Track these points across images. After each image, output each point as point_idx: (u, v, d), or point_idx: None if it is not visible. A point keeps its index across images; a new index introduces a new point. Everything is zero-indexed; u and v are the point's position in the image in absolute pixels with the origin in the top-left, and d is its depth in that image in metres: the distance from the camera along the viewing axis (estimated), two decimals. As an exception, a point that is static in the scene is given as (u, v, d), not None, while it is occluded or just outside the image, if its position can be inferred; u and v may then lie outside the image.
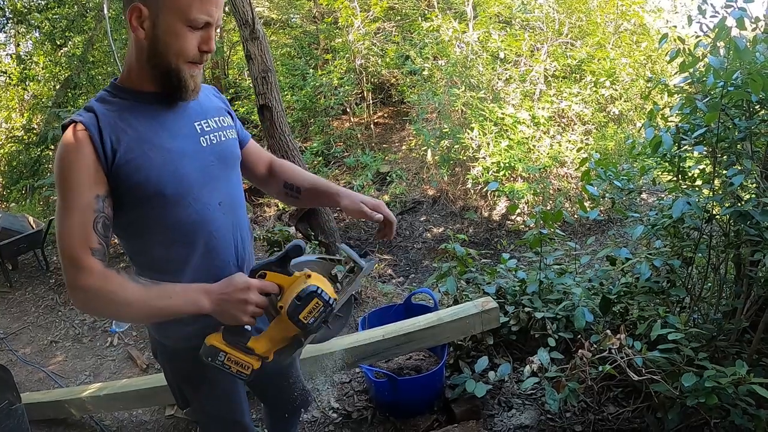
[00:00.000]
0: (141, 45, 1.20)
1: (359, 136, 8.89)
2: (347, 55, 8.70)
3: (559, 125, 7.17)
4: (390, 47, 8.71)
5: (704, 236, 2.16)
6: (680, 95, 2.45)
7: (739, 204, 1.93)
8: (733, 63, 1.96)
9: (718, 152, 2.09)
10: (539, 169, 6.51)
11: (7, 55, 10.21)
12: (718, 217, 2.08)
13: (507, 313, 2.70)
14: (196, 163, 1.30)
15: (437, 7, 8.45)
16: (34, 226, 5.44)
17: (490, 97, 7.02)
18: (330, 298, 1.27)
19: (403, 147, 8.63)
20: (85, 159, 1.15)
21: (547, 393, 2.08)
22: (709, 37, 2.20)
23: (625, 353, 1.87)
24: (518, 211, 6.53)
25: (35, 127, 9.74)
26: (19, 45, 10.47)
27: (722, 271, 2.24)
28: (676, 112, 2.26)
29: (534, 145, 6.70)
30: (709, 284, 2.37)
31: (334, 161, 8.57)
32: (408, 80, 8.41)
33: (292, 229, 5.15)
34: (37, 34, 9.51)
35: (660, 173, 2.82)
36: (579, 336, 2.38)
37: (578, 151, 6.51)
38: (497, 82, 7.19)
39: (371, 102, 9.25)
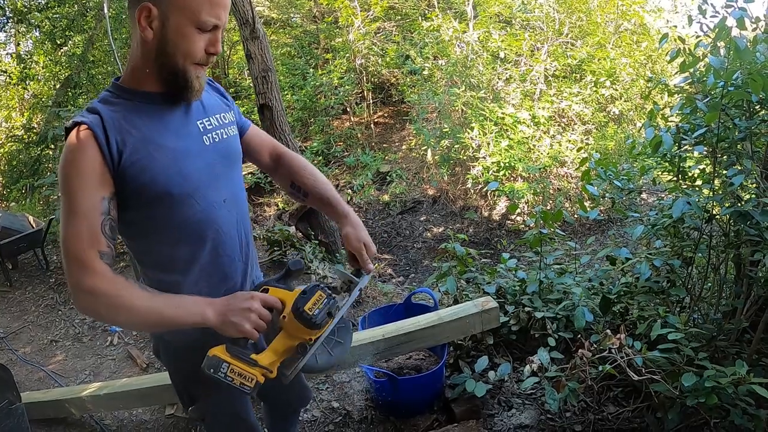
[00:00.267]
0: (148, 45, 1.19)
1: (359, 135, 8.88)
2: (347, 55, 8.70)
3: (559, 125, 7.17)
4: (390, 47, 8.71)
5: (704, 236, 2.16)
6: (680, 95, 2.46)
7: (739, 204, 1.93)
8: (733, 63, 1.96)
9: (718, 152, 2.09)
10: (539, 168, 6.51)
11: (7, 54, 10.20)
12: (718, 217, 2.09)
13: (507, 312, 2.70)
14: (201, 162, 1.30)
15: (437, 7, 8.44)
16: (34, 226, 5.44)
17: (491, 97, 7.02)
18: (332, 293, 1.29)
19: (403, 146, 8.63)
20: (90, 161, 1.15)
21: (547, 393, 2.08)
22: (710, 37, 2.20)
23: (625, 353, 1.88)
24: (518, 210, 6.53)
25: (35, 126, 9.73)
26: (19, 44, 10.46)
27: (722, 271, 2.25)
28: (677, 112, 2.26)
29: (534, 145, 6.70)
30: (709, 284, 2.37)
31: (334, 161, 8.57)
32: (408, 80, 8.41)
33: (292, 229, 5.15)
34: (37, 34, 9.50)
35: (660, 173, 2.82)
36: (579, 336, 2.38)
37: (578, 150, 6.50)
38: (497, 82, 7.19)
39: (371, 101, 9.25)
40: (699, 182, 2.35)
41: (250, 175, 7.22)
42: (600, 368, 1.93)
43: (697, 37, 2.28)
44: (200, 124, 1.33)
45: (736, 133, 2.03)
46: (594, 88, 7.17)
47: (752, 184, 2.04)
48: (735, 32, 1.97)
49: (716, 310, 2.25)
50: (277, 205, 7.57)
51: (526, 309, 2.66)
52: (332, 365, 1.42)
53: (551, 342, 2.38)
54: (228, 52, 10.72)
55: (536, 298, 2.72)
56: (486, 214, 6.82)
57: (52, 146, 8.24)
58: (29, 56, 9.74)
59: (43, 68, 9.61)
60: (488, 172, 6.52)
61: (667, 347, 1.88)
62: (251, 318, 1.21)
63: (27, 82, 9.52)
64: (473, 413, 2.42)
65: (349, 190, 7.78)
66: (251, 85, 5.35)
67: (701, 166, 2.38)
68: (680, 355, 1.87)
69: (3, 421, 2.18)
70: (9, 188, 9.04)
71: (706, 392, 1.72)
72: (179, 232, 1.29)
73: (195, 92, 1.27)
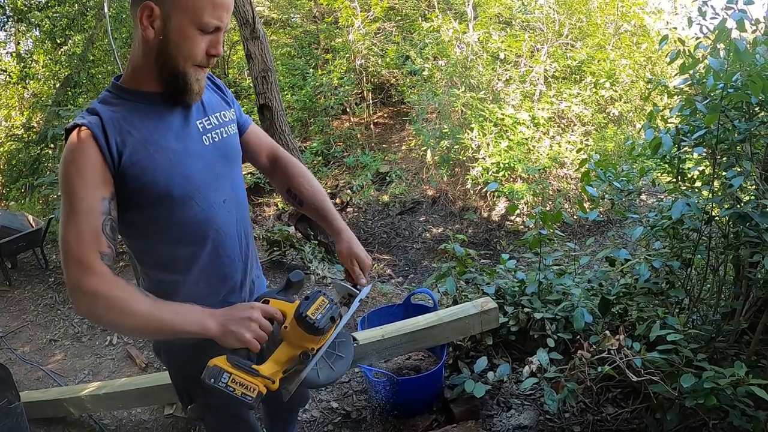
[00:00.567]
0: (149, 45, 1.19)
1: (359, 136, 8.89)
2: (347, 55, 8.70)
3: (558, 126, 7.18)
4: (390, 47, 8.72)
5: (703, 238, 2.16)
6: (680, 97, 2.46)
7: (739, 206, 1.93)
8: (733, 65, 1.96)
9: (718, 154, 2.10)
10: (539, 169, 6.52)
11: (7, 53, 10.20)
12: (717, 218, 2.09)
13: (506, 313, 2.70)
14: (201, 163, 1.30)
15: (437, 8, 8.45)
16: (33, 225, 5.44)
17: (490, 98, 7.02)
18: (334, 299, 1.29)
19: (403, 147, 8.63)
20: (91, 161, 1.15)
21: (546, 393, 2.08)
22: (709, 38, 2.21)
23: (624, 354, 1.88)
24: (517, 211, 6.54)
25: (35, 125, 9.73)
26: (19, 43, 10.46)
27: (721, 273, 2.25)
28: (676, 113, 2.27)
29: (534, 146, 6.71)
30: (708, 285, 2.38)
31: (334, 161, 8.57)
32: (408, 80, 8.42)
33: (292, 229, 5.16)
34: (37, 33, 9.49)
35: (659, 174, 2.83)
36: (578, 337, 2.38)
37: (578, 152, 6.51)
38: (497, 83, 7.19)
39: (371, 102, 9.26)
40: (698, 184, 2.35)
41: (249, 175, 7.22)
42: (599, 369, 1.93)
43: (697, 38, 2.28)
44: (200, 124, 1.33)
45: (736, 135, 2.03)
46: (594, 90, 7.18)
47: (751, 185, 2.04)
48: (735, 34, 1.97)
49: (715, 312, 2.25)
50: (277, 205, 7.57)
51: (526, 310, 2.66)
52: (334, 380, 1.41)
53: (550, 343, 2.38)
54: (228, 52, 10.73)
55: (535, 298, 2.72)
56: (485, 214, 6.83)
57: (52, 145, 8.24)
58: (29, 55, 9.73)
59: (43, 67, 9.61)
60: (488, 173, 6.52)
61: (666, 348, 1.88)
62: (252, 327, 1.20)
63: (27, 81, 9.52)
64: (472, 414, 2.42)
65: (349, 191, 7.78)
66: (251, 85, 5.36)
67: (701, 168, 2.38)
68: (679, 357, 1.87)
69: (2, 420, 2.17)
70: (8, 187, 9.03)
71: (705, 393, 1.72)
72: (179, 232, 1.29)
73: (194, 95, 1.27)
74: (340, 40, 9.11)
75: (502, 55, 7.31)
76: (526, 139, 6.65)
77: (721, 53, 2.11)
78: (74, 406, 2.73)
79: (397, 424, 2.50)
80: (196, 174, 1.29)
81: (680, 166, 2.32)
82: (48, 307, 4.59)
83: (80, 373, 3.57)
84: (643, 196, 5.95)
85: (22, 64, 9.30)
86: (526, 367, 2.16)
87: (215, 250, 1.36)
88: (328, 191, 7.73)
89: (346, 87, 8.43)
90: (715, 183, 2.10)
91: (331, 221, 1.55)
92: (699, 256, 2.21)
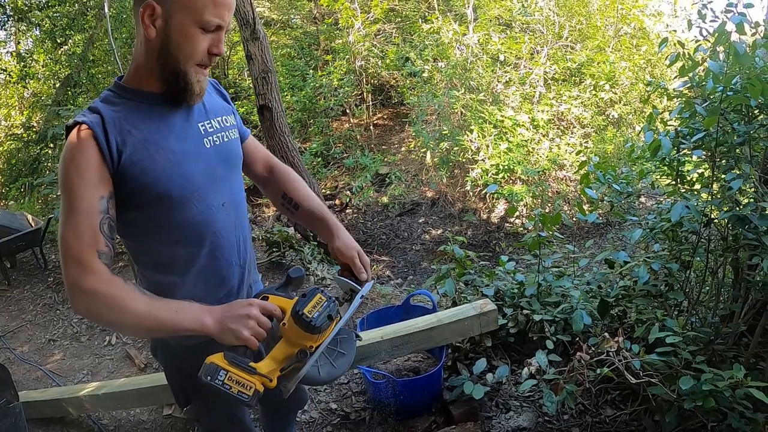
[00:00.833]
0: (151, 44, 1.20)
1: (359, 137, 8.89)
2: (347, 57, 8.71)
3: (558, 128, 7.19)
4: (390, 49, 8.73)
5: (702, 240, 2.17)
6: (679, 99, 2.46)
7: (738, 208, 1.93)
8: (732, 68, 1.96)
9: (717, 156, 2.10)
10: (538, 171, 6.52)
11: (7, 52, 10.20)
12: (716, 221, 2.09)
13: (505, 315, 2.70)
14: (201, 165, 1.30)
15: (437, 10, 8.47)
16: (32, 224, 5.43)
17: (490, 100, 7.03)
18: (332, 296, 1.27)
19: (403, 148, 8.64)
20: (90, 160, 1.15)
21: (544, 395, 2.08)
22: (709, 41, 2.21)
23: (623, 356, 1.88)
24: (517, 213, 6.54)
25: (35, 125, 9.73)
26: (19, 43, 10.46)
27: (720, 275, 2.25)
28: (676, 116, 2.27)
29: (533, 148, 6.71)
30: (707, 288, 2.38)
31: (333, 162, 8.57)
32: (408, 82, 8.43)
33: (291, 230, 5.15)
34: (37, 32, 9.49)
35: (659, 177, 2.83)
36: (577, 339, 2.38)
37: (577, 154, 6.52)
38: (497, 85, 7.20)
39: (371, 103, 9.26)
40: (698, 186, 2.35)
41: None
42: (598, 371, 1.93)
43: (697, 41, 2.29)
44: (201, 126, 1.33)
45: (735, 138, 2.04)
46: (593, 92, 7.19)
47: (751, 188, 2.04)
48: (734, 37, 1.98)
49: (714, 314, 2.25)
50: (276, 206, 7.56)
51: (525, 312, 2.66)
52: (336, 377, 1.39)
53: (549, 345, 2.38)
54: (228, 53, 10.73)
55: (534, 300, 2.72)
56: (485, 216, 6.83)
57: (52, 145, 8.24)
58: (29, 55, 9.74)
59: (43, 67, 9.61)
60: (487, 175, 6.53)
61: (664, 350, 1.88)
62: (249, 325, 1.19)
63: (27, 81, 9.53)
64: (471, 415, 2.42)
65: (348, 192, 7.78)
66: (251, 85, 5.36)
67: (700, 170, 2.38)
68: (678, 359, 1.88)
69: (0, 420, 2.17)
70: (8, 187, 9.03)
71: (704, 395, 1.72)
72: (179, 233, 1.29)
73: (195, 95, 1.27)
74: (340, 41, 9.12)
75: (501, 57, 7.32)
76: (525, 141, 6.65)
77: (721, 56, 2.12)
78: (73, 406, 2.73)
79: (396, 426, 2.50)
80: (196, 175, 1.28)
81: (679, 168, 2.33)
82: (47, 306, 4.58)
83: (79, 373, 3.56)
84: (643, 199, 5.95)
85: (22, 63, 9.31)
86: (525, 369, 2.16)
87: (213, 253, 1.35)
88: (328, 192, 7.75)
89: (346, 88, 8.43)
90: (715, 186, 2.10)
91: (327, 220, 1.52)
92: (698, 258, 2.21)
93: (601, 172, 2.55)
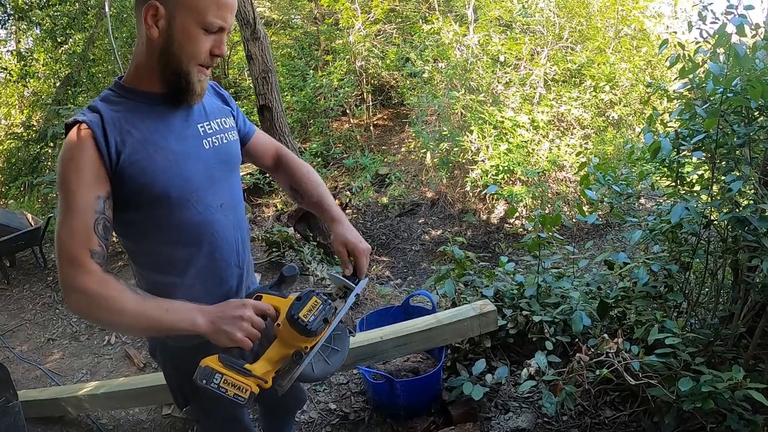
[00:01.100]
0: (153, 44, 1.20)
1: (359, 137, 8.89)
2: (347, 57, 8.71)
3: (558, 129, 7.19)
4: (390, 49, 8.73)
5: (702, 242, 2.17)
6: (680, 101, 2.46)
7: (737, 210, 1.94)
8: (732, 69, 1.96)
9: (717, 158, 2.10)
10: (538, 172, 6.52)
11: (7, 51, 10.20)
12: (716, 222, 2.09)
13: (505, 316, 2.70)
14: (200, 166, 1.30)
15: (438, 10, 8.47)
16: (32, 223, 5.43)
17: (490, 101, 7.03)
18: (327, 299, 1.27)
19: (403, 149, 8.64)
20: (88, 159, 1.16)
21: (544, 396, 2.08)
22: (709, 43, 2.21)
23: (623, 357, 1.88)
24: (517, 214, 6.54)
25: (35, 124, 9.74)
26: (19, 42, 10.45)
27: (720, 277, 2.25)
28: (676, 117, 2.27)
29: (533, 149, 6.71)
30: (707, 289, 2.38)
31: (333, 162, 8.57)
32: (408, 82, 8.43)
33: (291, 230, 5.15)
34: (37, 31, 9.50)
35: (659, 178, 2.83)
36: (576, 340, 2.38)
37: (577, 155, 6.52)
38: (497, 86, 7.20)
39: (371, 104, 9.26)
40: (697, 188, 2.35)
41: (248, 176, 7.23)
42: (597, 372, 1.93)
43: (697, 43, 2.29)
44: (201, 127, 1.34)
45: (735, 139, 2.04)
46: (593, 93, 7.18)
47: (750, 190, 2.04)
48: (735, 39, 1.98)
49: (713, 316, 2.25)
50: (276, 206, 7.57)
51: (524, 312, 2.66)
52: (329, 374, 1.39)
53: (549, 346, 2.38)
54: (228, 53, 10.73)
55: (534, 301, 2.72)
56: (484, 217, 6.83)
57: (52, 144, 8.23)
58: (29, 54, 9.74)
59: (43, 66, 9.62)
60: (487, 176, 6.53)
61: (664, 352, 1.88)
62: (243, 327, 1.18)
63: (27, 80, 9.53)
64: (470, 416, 2.42)
65: (348, 192, 7.78)
66: (251, 85, 5.36)
67: (700, 172, 2.38)
68: (677, 360, 1.88)
69: (0, 419, 2.18)
70: (8, 185, 9.03)
71: (703, 397, 1.72)
72: (177, 234, 1.29)
73: (196, 96, 1.27)
74: (341, 41, 9.12)
75: (502, 58, 7.31)
76: (525, 142, 6.65)
77: (721, 58, 2.12)
78: (72, 406, 2.73)
79: (395, 426, 2.50)
80: (195, 176, 1.29)
81: (679, 170, 2.33)
82: (46, 306, 4.58)
83: (78, 372, 3.56)
84: (642, 200, 5.95)
85: (23, 62, 9.31)
86: (525, 370, 2.16)
87: (211, 254, 1.36)
88: (328, 192, 7.72)
89: (346, 88, 8.43)
90: (714, 187, 2.10)
91: (328, 210, 1.53)
92: (697, 260, 2.21)
93: (601, 173, 2.55)
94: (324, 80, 8.57)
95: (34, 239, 5.22)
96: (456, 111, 7.03)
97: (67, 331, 4.13)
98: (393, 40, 9.03)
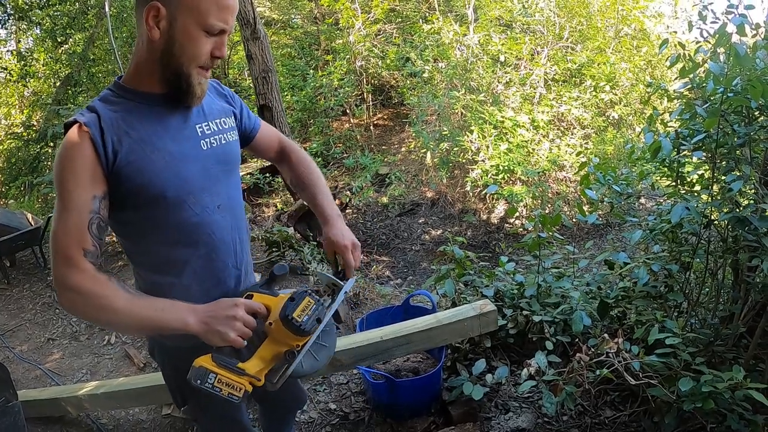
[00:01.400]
0: (154, 45, 1.20)
1: (359, 137, 8.89)
2: (348, 57, 8.71)
3: (558, 129, 7.19)
4: (390, 49, 8.73)
5: (702, 241, 2.17)
6: (680, 101, 2.46)
7: (738, 210, 1.93)
8: (733, 69, 1.96)
9: (717, 158, 2.10)
10: (538, 172, 6.52)
11: (7, 51, 10.20)
12: (716, 222, 2.09)
13: (505, 316, 2.70)
14: (197, 166, 1.30)
15: (438, 10, 8.47)
16: (32, 223, 5.43)
17: (490, 100, 7.03)
18: (320, 298, 1.29)
19: (403, 149, 8.64)
20: (85, 159, 1.16)
21: (544, 396, 2.08)
22: (710, 42, 2.21)
23: (623, 357, 1.88)
24: (517, 214, 6.54)
25: (35, 124, 9.74)
26: (19, 41, 10.46)
27: (720, 277, 2.25)
28: (676, 117, 2.27)
29: (533, 149, 6.71)
30: (707, 289, 2.38)
31: (334, 162, 8.57)
32: (408, 82, 8.43)
33: (291, 230, 5.15)
34: (37, 31, 9.51)
35: (659, 178, 2.83)
36: (576, 340, 2.38)
37: (577, 155, 6.52)
38: (497, 85, 7.20)
39: (371, 103, 9.26)
40: (698, 187, 2.35)
41: (248, 176, 7.22)
42: (597, 372, 1.93)
43: (697, 42, 2.29)
44: (199, 128, 1.33)
45: (735, 139, 2.04)
46: (594, 93, 7.18)
47: (751, 189, 2.04)
48: (735, 38, 1.98)
49: (713, 315, 2.25)
50: (276, 206, 7.56)
51: (524, 312, 2.66)
52: (317, 369, 1.41)
53: (549, 346, 2.38)
54: (228, 53, 10.73)
55: (534, 301, 2.72)
56: (484, 217, 6.83)
57: (52, 144, 8.24)
58: (30, 53, 9.75)
59: (43, 66, 9.63)
60: (487, 176, 6.53)
61: (664, 352, 1.88)
62: (236, 327, 1.19)
63: (27, 80, 9.55)
64: (470, 416, 2.42)
65: (348, 192, 7.78)
66: (251, 85, 5.36)
67: (700, 172, 2.38)
68: (677, 360, 1.88)
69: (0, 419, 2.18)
70: (8, 185, 9.04)
71: (703, 397, 1.72)
72: (174, 235, 1.30)
73: (196, 98, 1.27)
74: (341, 41, 9.12)
75: (502, 58, 7.31)
76: (525, 141, 6.65)
77: (721, 57, 2.12)
78: (72, 406, 2.73)
79: (395, 426, 2.50)
80: (192, 177, 1.29)
81: (680, 169, 2.32)
82: (46, 305, 4.58)
83: (78, 372, 3.56)
84: (643, 200, 5.95)
85: (23, 62, 9.32)
86: (525, 370, 2.16)
87: (209, 255, 1.36)
88: (328, 192, 7.72)
89: (346, 88, 8.43)
90: (715, 187, 2.10)
91: (320, 211, 1.55)
92: (698, 259, 2.21)
93: (601, 173, 2.55)
94: (324, 80, 8.57)
95: (34, 239, 5.21)
96: (456, 111, 7.04)
97: (67, 330, 4.13)
98: (393, 39, 9.03)
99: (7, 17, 8.89)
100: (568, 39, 7.84)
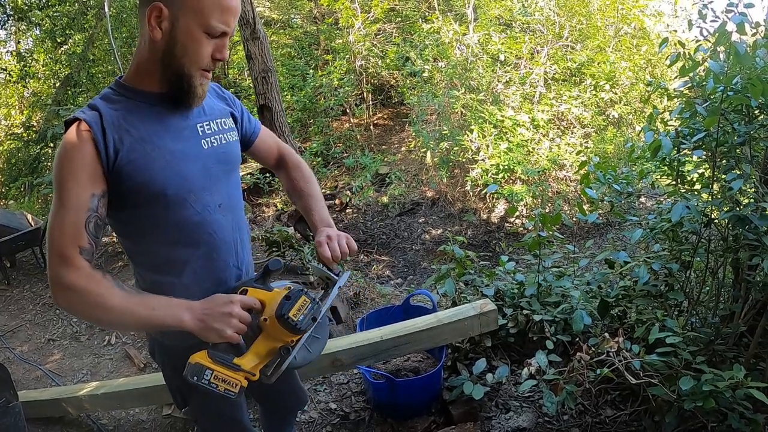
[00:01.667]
0: (155, 45, 1.20)
1: (359, 137, 8.89)
2: (347, 56, 8.71)
3: (558, 128, 7.19)
4: (390, 48, 8.73)
5: (703, 240, 2.16)
6: (680, 99, 2.46)
7: (738, 208, 1.93)
8: (733, 68, 1.96)
9: (718, 156, 2.10)
10: (538, 171, 6.52)
11: (7, 52, 10.21)
12: (716, 221, 2.09)
13: (505, 315, 2.70)
14: (198, 165, 1.30)
15: (438, 9, 8.46)
16: (32, 224, 5.44)
17: (490, 100, 7.03)
18: (316, 297, 1.29)
19: (403, 148, 8.64)
20: (85, 157, 1.16)
21: (544, 396, 2.08)
22: (710, 41, 2.21)
23: (623, 356, 1.88)
24: (517, 213, 6.54)
25: (35, 124, 9.75)
26: (19, 42, 10.47)
27: (720, 276, 2.25)
28: (676, 116, 2.27)
29: (533, 148, 6.71)
30: (708, 288, 2.38)
31: (334, 162, 8.57)
32: (408, 82, 8.42)
33: (291, 230, 5.15)
34: (37, 32, 9.51)
35: (659, 177, 2.83)
36: (577, 339, 2.38)
37: (577, 154, 6.52)
38: (497, 85, 7.20)
39: (371, 103, 9.26)
40: (698, 186, 2.35)
41: (249, 176, 7.22)
42: (598, 371, 1.93)
43: (697, 41, 2.29)
44: (199, 127, 1.33)
45: (735, 138, 2.04)
46: (593, 92, 7.18)
47: (751, 188, 2.04)
48: (735, 37, 1.97)
49: (714, 314, 2.25)
50: (276, 206, 7.56)
51: (525, 312, 2.66)
52: (310, 361, 1.42)
53: (549, 345, 2.38)
54: (228, 53, 10.71)
55: (534, 301, 2.72)
56: (485, 216, 6.83)
57: (52, 144, 8.24)
58: (29, 54, 9.75)
59: (43, 66, 9.63)
60: (487, 175, 6.53)
61: (665, 351, 1.88)
62: (232, 323, 1.20)
63: (27, 80, 9.54)
64: (471, 415, 2.42)
65: (348, 192, 7.78)
66: (251, 85, 5.36)
67: (700, 171, 2.38)
68: (678, 359, 1.88)
69: (0, 420, 2.17)
70: (8, 186, 9.05)
71: (704, 396, 1.72)
72: (174, 234, 1.30)
73: (197, 98, 1.27)
74: (341, 41, 9.12)
75: (502, 57, 7.31)
76: (525, 141, 6.65)
77: (721, 56, 2.12)
78: (72, 406, 2.73)
79: (396, 426, 2.50)
80: (192, 176, 1.29)
81: (680, 168, 2.32)
82: (47, 306, 4.58)
83: (78, 372, 3.56)
84: (643, 199, 5.95)
85: (23, 62, 9.32)
86: (525, 369, 2.16)
87: (209, 254, 1.36)
88: (328, 192, 7.74)
89: (346, 88, 8.43)
90: (715, 186, 2.10)
91: (311, 223, 1.57)
92: (698, 258, 2.21)
93: (601, 172, 2.55)
94: (324, 80, 8.57)
95: (34, 240, 5.21)
96: (456, 110, 7.03)
97: (67, 331, 4.13)
98: (393, 39, 9.03)
99: (6, 18, 8.90)
100: (568, 38, 7.83)
